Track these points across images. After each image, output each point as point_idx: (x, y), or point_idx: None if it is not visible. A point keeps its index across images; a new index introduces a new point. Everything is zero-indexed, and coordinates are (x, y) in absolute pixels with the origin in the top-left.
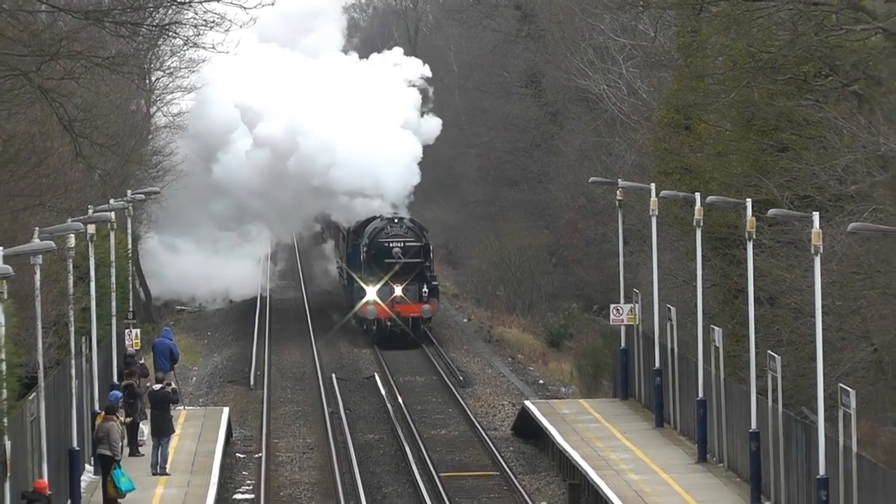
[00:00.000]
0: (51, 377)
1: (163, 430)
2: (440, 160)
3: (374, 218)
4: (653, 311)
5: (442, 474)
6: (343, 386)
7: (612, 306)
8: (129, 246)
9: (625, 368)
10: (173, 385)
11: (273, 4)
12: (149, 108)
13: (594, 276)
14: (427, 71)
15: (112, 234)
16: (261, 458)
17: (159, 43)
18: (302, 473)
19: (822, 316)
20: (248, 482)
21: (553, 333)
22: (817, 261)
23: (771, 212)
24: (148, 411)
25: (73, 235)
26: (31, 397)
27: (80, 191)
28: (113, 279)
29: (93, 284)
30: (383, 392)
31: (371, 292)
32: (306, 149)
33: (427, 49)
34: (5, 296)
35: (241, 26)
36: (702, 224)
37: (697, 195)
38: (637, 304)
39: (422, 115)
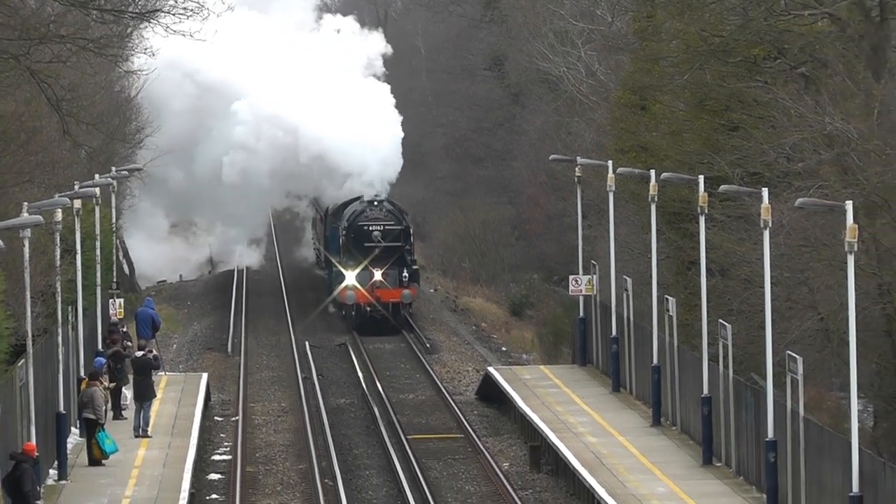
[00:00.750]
0: (39, 345)
1: (145, 395)
2: (408, 138)
3: (353, 200)
4: (610, 281)
5: (409, 437)
6: (316, 353)
7: (571, 277)
8: (114, 220)
9: (583, 336)
10: (155, 352)
11: None
12: (131, 89)
13: (554, 249)
14: (388, 49)
15: (97, 209)
16: (238, 420)
17: (142, 27)
18: (277, 435)
19: (771, 287)
20: (226, 444)
21: (515, 303)
22: (766, 234)
23: (722, 188)
24: (131, 377)
25: (60, 210)
26: (20, 364)
27: (66, 167)
28: (98, 252)
29: (79, 257)
30: (354, 359)
31: (350, 277)
32: (284, 128)
33: (396, 33)
34: None
35: (217, 16)
36: (656, 199)
37: (652, 172)
38: (595, 276)
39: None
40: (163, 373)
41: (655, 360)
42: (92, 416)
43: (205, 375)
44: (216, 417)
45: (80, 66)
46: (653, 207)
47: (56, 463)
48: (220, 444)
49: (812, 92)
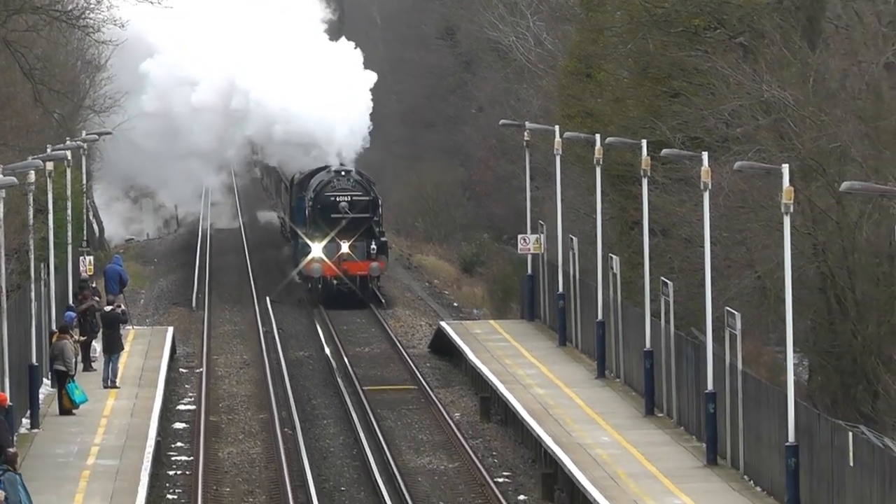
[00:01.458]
0: (12, 300)
1: (113, 348)
2: None
3: (320, 170)
4: (557, 240)
5: (365, 388)
6: (276, 308)
7: (519, 236)
8: (84, 182)
9: (531, 293)
10: (123, 307)
11: None
12: (100, 58)
13: (504, 210)
14: (333, 15)
15: (68, 171)
16: (202, 372)
17: None
18: (239, 386)
19: (710, 246)
20: (191, 394)
21: (466, 261)
22: (706, 196)
23: (664, 151)
24: (100, 331)
25: (33, 172)
26: None
27: (39, 132)
28: (69, 212)
29: (51, 216)
30: (313, 314)
31: (316, 249)
32: (244, 91)
33: (353, 4)
34: None
35: None
36: (601, 162)
37: (597, 136)
38: (542, 235)
39: None
40: (130, 327)
41: (600, 316)
42: (62, 368)
43: (170, 329)
44: (181, 369)
45: (52, 36)
46: (598, 170)
47: (29, 412)
48: (185, 394)
49: (750, 61)
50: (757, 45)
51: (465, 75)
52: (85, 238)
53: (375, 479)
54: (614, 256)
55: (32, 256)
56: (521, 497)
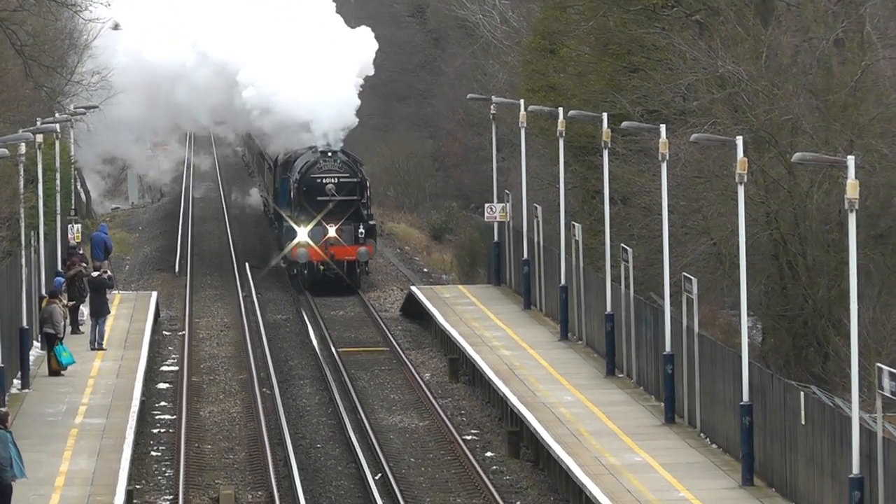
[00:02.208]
0: (4, 266)
1: (100, 312)
2: None
3: (305, 150)
4: (522, 209)
5: (340, 349)
6: (255, 273)
7: (486, 205)
8: (72, 153)
9: (497, 259)
10: (109, 272)
11: None
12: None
13: (471, 179)
14: None
15: (57, 143)
16: (184, 335)
17: None
18: (219, 348)
19: (668, 214)
20: (174, 356)
21: (436, 228)
22: (664, 166)
23: (624, 124)
24: (87, 295)
25: (23, 144)
26: None
27: (29, 105)
28: (58, 182)
29: (40, 186)
30: (289, 279)
31: (302, 233)
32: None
33: None
34: None
35: None
36: (564, 135)
37: (560, 110)
38: (508, 204)
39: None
40: (116, 291)
41: (563, 281)
42: (51, 331)
43: (154, 294)
44: (164, 332)
45: (42, 14)
46: (561, 142)
47: (19, 373)
48: (168, 356)
49: (706, 37)
50: (712, 22)
51: (435, 51)
52: (73, 207)
53: (349, 437)
54: (576, 224)
55: (23, 225)
56: (489, 454)
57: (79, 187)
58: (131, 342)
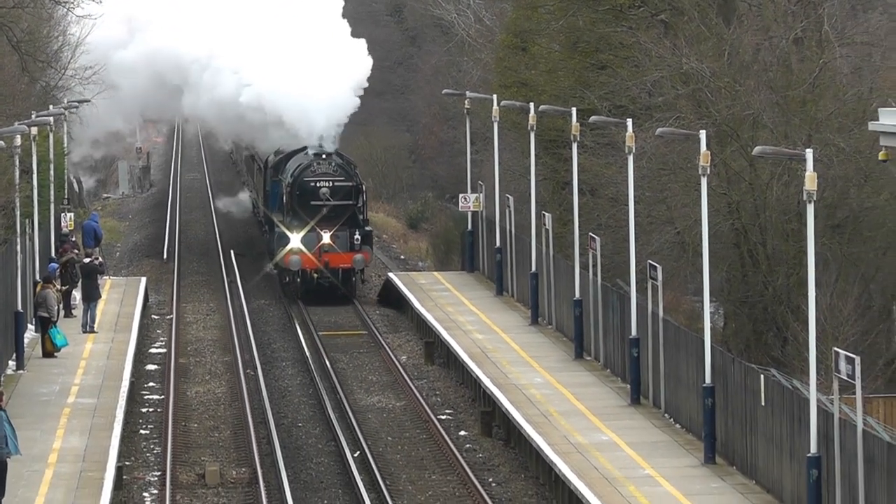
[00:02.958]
0: (0, 253)
1: (91, 296)
2: None
3: (297, 151)
4: (494, 199)
5: (320, 333)
6: (240, 260)
7: (460, 195)
8: (65, 144)
9: (471, 246)
10: (100, 259)
11: None
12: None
13: (446, 171)
14: None
15: (51, 136)
16: (172, 318)
17: None
18: (206, 331)
19: (634, 204)
20: (162, 338)
21: (412, 217)
22: (630, 159)
23: (592, 118)
24: (79, 281)
25: (19, 136)
26: None
27: (24, 99)
28: (52, 172)
29: (35, 176)
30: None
31: (295, 239)
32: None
33: None
34: None
35: None
36: (535, 128)
37: (531, 105)
38: (481, 194)
39: None
40: (107, 277)
41: (534, 268)
42: (45, 315)
43: (143, 279)
44: (153, 316)
45: (37, 12)
46: (532, 135)
47: (14, 355)
48: (157, 338)
49: (670, 36)
50: (677, 21)
51: (412, 49)
52: (66, 196)
53: (329, 416)
54: (547, 214)
55: (18, 213)
56: (462, 433)
57: (72, 177)
58: (121, 325)
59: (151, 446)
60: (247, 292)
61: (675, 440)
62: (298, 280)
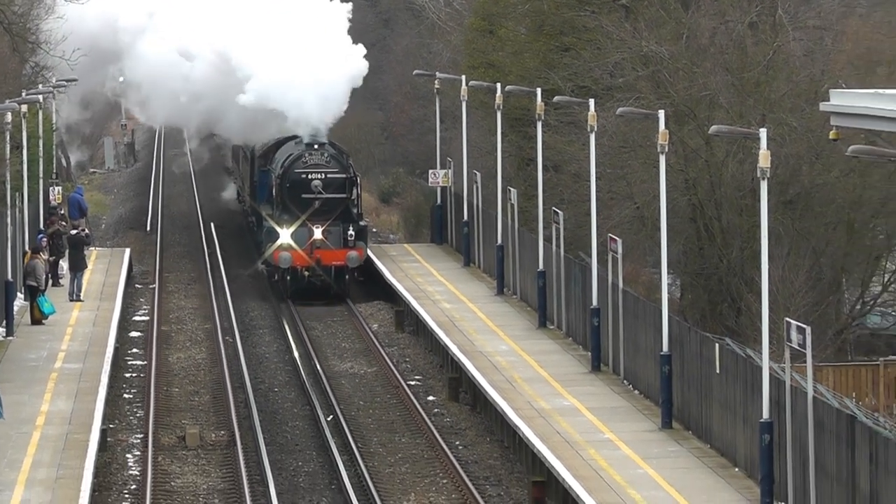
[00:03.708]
0: None
1: (78, 266)
2: None
3: (287, 140)
4: (462, 175)
5: (296, 301)
6: (220, 231)
7: (430, 171)
8: (54, 122)
9: (440, 220)
10: (87, 230)
11: None
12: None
13: (417, 148)
14: None
15: (40, 113)
16: (155, 288)
17: None
18: (187, 300)
19: (596, 180)
20: (145, 307)
21: (384, 192)
22: (592, 137)
23: (556, 98)
24: (67, 251)
25: (9, 113)
26: None
27: (15, 78)
28: (41, 148)
29: (25, 152)
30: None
31: (285, 235)
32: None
33: None
34: None
35: None
36: (501, 107)
37: (498, 85)
38: (450, 170)
39: None
40: (93, 248)
41: (500, 241)
42: (34, 284)
43: (128, 250)
44: (137, 285)
45: None
46: (498, 114)
47: (4, 322)
48: (140, 307)
49: (631, 20)
50: (637, 6)
51: (385, 31)
52: (54, 170)
53: (304, 381)
54: (512, 189)
55: (9, 187)
56: (431, 398)
57: (60, 153)
58: (106, 294)
59: (135, 410)
60: (226, 262)
61: (634, 406)
62: (288, 278)
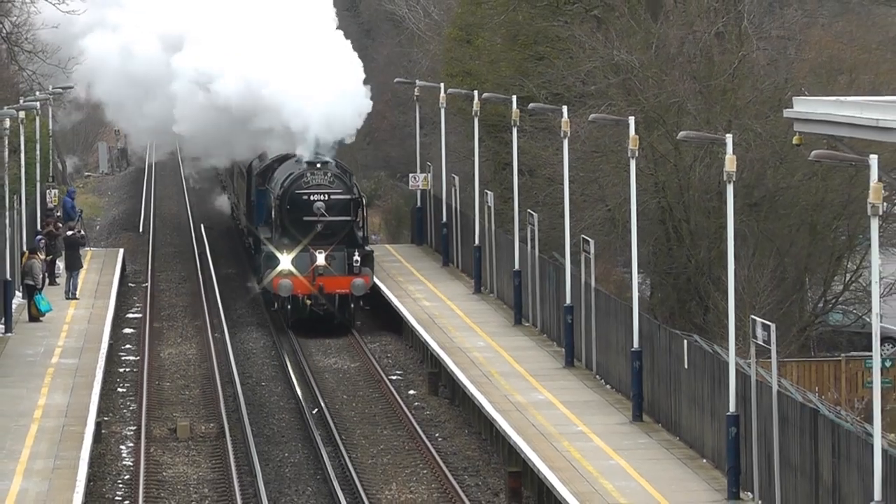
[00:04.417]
0: None
1: (74, 265)
2: None
3: (286, 158)
4: (441, 178)
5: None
6: (209, 233)
7: (410, 175)
8: (50, 127)
9: (420, 222)
10: (82, 231)
11: None
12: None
13: (398, 152)
14: None
15: (38, 119)
16: (147, 286)
17: None
18: (178, 298)
19: (569, 184)
20: (138, 304)
21: (366, 195)
22: (565, 143)
23: (531, 105)
24: (63, 252)
25: (7, 119)
26: None
27: (13, 86)
28: (38, 152)
29: (23, 156)
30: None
31: (285, 261)
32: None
33: None
34: None
35: None
36: (478, 114)
37: (475, 92)
38: (430, 174)
39: None
40: (88, 248)
41: (477, 242)
42: (31, 283)
43: (121, 250)
44: (130, 284)
45: (26, 6)
46: (475, 121)
47: (3, 319)
48: (133, 304)
49: (602, 30)
50: (608, 16)
51: (366, 41)
52: (51, 174)
53: (290, 376)
54: (489, 192)
55: (7, 189)
56: (411, 392)
57: (56, 157)
58: (101, 292)
59: (128, 403)
60: (216, 262)
61: (606, 399)
62: (289, 307)
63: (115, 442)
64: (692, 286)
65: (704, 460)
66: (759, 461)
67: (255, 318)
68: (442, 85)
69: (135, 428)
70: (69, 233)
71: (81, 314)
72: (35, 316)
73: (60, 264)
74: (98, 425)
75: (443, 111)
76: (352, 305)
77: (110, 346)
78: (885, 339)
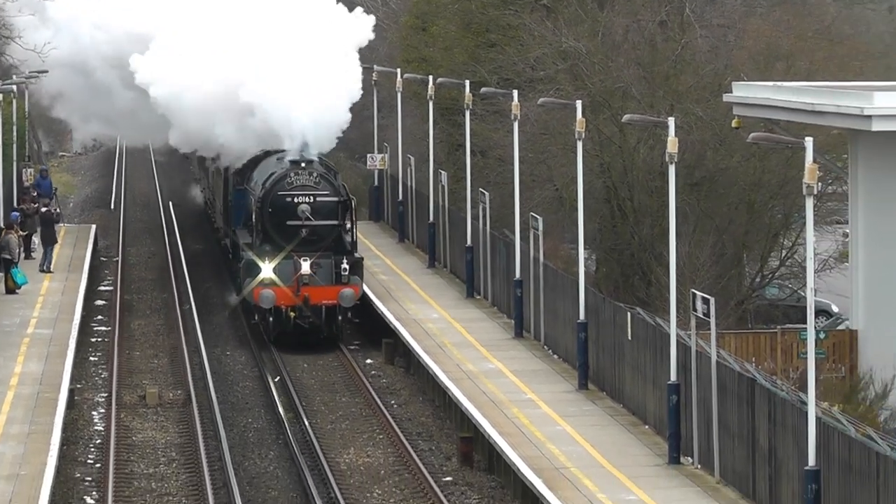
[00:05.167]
0: None
1: (49, 241)
2: None
3: (267, 155)
4: (398, 159)
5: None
6: (178, 210)
7: (368, 155)
8: (27, 110)
9: (378, 200)
10: (57, 209)
11: None
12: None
13: (356, 134)
14: None
15: (14, 101)
16: (118, 261)
17: None
18: (147, 272)
19: (519, 164)
20: (109, 278)
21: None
22: (515, 125)
23: (483, 90)
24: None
25: None
26: None
27: None
28: (14, 133)
29: (0, 137)
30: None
31: (267, 269)
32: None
33: None
34: None
35: None
36: (433, 98)
37: (430, 77)
38: (387, 154)
39: None
40: (62, 224)
41: (431, 219)
42: (8, 257)
43: (94, 226)
44: (102, 258)
45: None
46: (430, 104)
47: None
48: (105, 278)
49: (551, 18)
50: (557, 5)
51: None
52: (27, 154)
53: (252, 346)
54: (443, 172)
55: None
56: (369, 361)
57: (32, 138)
58: (74, 266)
59: (100, 371)
60: (184, 237)
61: (553, 369)
62: (271, 319)
63: (88, 408)
64: (636, 262)
65: (647, 426)
66: (699, 427)
67: (221, 292)
68: (399, 70)
69: (106, 395)
70: (44, 209)
71: (56, 287)
72: (11, 288)
73: (36, 239)
74: (71, 392)
75: (399, 95)
76: (339, 318)
77: (83, 317)
78: (818, 312)
